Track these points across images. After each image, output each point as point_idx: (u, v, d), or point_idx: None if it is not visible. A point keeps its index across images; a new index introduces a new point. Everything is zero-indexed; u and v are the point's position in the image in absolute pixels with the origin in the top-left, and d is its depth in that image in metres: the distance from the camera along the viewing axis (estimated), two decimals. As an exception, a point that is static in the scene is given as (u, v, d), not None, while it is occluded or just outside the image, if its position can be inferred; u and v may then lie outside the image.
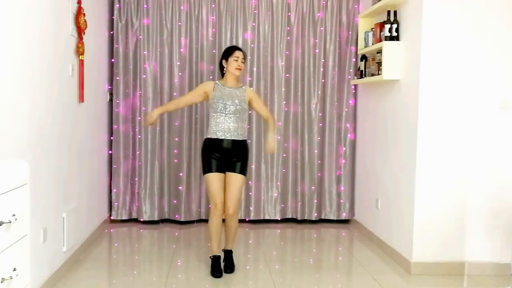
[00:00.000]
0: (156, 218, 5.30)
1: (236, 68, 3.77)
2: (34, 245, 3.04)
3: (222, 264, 3.90)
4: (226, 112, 3.73)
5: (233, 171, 3.76)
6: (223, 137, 3.73)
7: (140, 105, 5.25)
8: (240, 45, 5.27)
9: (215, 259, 3.82)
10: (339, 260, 4.40)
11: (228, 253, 3.93)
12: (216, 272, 3.74)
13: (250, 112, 5.05)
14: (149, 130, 5.24)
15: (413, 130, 3.92)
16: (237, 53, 3.80)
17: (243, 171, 3.79)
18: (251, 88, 4.23)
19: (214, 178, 3.74)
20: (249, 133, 5.27)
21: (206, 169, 3.77)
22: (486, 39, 3.82)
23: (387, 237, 4.43)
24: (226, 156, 3.75)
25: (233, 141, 3.75)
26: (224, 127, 3.74)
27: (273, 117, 4.01)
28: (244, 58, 3.85)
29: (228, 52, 3.83)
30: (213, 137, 3.76)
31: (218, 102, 3.73)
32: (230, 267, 3.86)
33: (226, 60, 3.81)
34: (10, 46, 2.78)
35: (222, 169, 3.76)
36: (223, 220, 3.86)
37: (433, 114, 3.84)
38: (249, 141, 4.47)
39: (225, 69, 3.83)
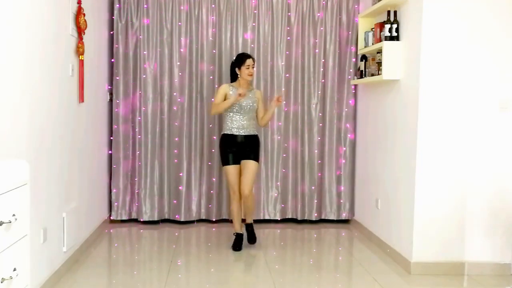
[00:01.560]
0: (156, 218, 5.29)
1: (249, 75, 4.40)
2: (34, 245, 3.04)
3: (245, 238, 4.59)
4: (241, 112, 4.39)
5: (248, 158, 4.43)
6: (237, 133, 4.42)
7: (140, 105, 5.25)
8: (240, 45, 5.29)
9: (238, 235, 4.50)
10: (339, 260, 4.40)
11: (249, 226, 4.62)
12: (236, 246, 4.43)
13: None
14: (149, 130, 5.25)
15: (413, 130, 3.92)
16: (248, 62, 4.40)
17: (256, 158, 4.47)
18: (259, 91, 4.73)
19: (232, 169, 4.44)
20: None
21: (224, 161, 4.48)
22: (486, 39, 3.82)
23: (387, 237, 4.43)
24: (240, 149, 4.42)
25: (246, 136, 4.43)
26: (239, 125, 4.41)
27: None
28: (254, 62, 4.46)
29: (241, 61, 4.42)
30: (229, 133, 4.43)
31: (235, 104, 4.34)
32: (253, 238, 4.57)
33: (239, 68, 4.40)
34: (10, 46, 2.78)
35: (237, 161, 4.45)
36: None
37: (433, 114, 3.84)
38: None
39: (238, 75, 4.43)
